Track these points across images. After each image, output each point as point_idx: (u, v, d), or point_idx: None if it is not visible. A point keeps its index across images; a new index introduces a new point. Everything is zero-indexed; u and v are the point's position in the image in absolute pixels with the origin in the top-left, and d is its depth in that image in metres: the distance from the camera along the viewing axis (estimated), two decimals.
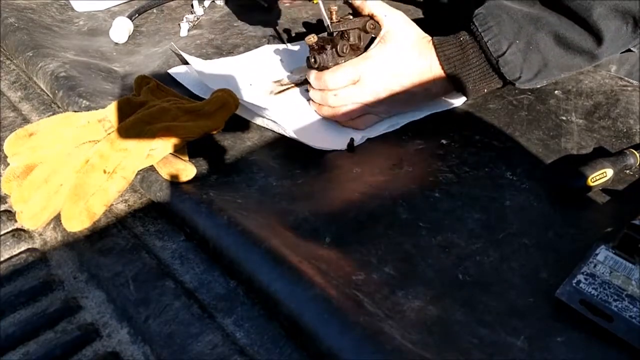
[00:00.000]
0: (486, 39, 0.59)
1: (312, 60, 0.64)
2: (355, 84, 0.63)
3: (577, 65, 0.60)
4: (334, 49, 0.63)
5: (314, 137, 0.62)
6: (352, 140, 0.62)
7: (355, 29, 0.63)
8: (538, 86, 0.65)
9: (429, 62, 0.62)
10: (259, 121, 0.65)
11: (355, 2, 0.64)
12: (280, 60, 0.77)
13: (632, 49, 0.60)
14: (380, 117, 0.65)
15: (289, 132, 0.61)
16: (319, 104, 0.66)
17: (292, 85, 0.72)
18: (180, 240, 0.52)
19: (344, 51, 0.63)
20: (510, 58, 0.59)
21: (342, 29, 0.63)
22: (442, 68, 0.61)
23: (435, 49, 0.61)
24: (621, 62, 0.81)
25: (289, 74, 0.75)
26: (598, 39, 0.56)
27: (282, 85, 0.73)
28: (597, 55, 0.58)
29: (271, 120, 0.62)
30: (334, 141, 0.62)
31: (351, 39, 0.64)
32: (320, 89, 0.65)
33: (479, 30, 0.59)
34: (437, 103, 0.68)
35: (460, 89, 0.63)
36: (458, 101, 0.68)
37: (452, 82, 0.62)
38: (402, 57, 0.62)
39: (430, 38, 0.63)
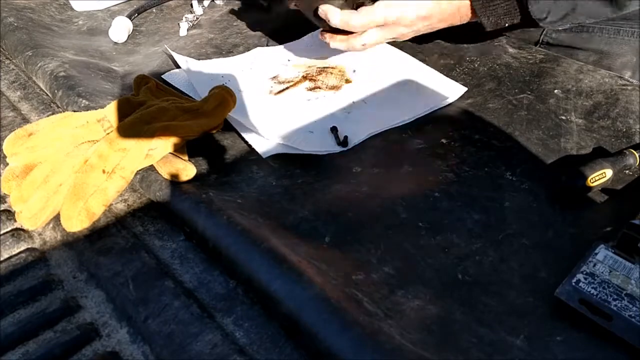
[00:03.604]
0: None
1: None
2: (382, 28, 0.63)
3: (604, 13, 0.60)
4: None
5: (308, 143, 0.62)
6: (345, 137, 0.62)
7: None
8: (560, 27, 0.65)
9: None
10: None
11: None
12: (278, 58, 0.77)
13: None
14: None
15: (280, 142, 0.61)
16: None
17: (292, 83, 0.72)
18: (179, 239, 0.52)
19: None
20: None
21: None
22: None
23: None
24: (635, 69, 0.81)
25: (288, 61, 0.77)
26: None
27: (279, 82, 0.73)
28: (627, 5, 0.58)
29: (258, 134, 0.62)
30: (328, 143, 0.62)
31: None
32: (343, 29, 0.65)
33: None
34: (437, 96, 0.68)
35: (482, 20, 0.63)
36: (454, 95, 0.68)
37: (475, 13, 0.63)
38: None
39: None
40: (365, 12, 0.63)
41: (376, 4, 0.63)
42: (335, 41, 0.66)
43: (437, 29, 0.66)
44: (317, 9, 0.65)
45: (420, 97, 0.68)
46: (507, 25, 0.64)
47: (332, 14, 0.63)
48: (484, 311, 0.44)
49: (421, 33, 0.67)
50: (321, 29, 0.70)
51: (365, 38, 0.64)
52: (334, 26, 0.65)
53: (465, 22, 0.65)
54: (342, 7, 0.65)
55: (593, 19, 0.62)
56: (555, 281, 0.45)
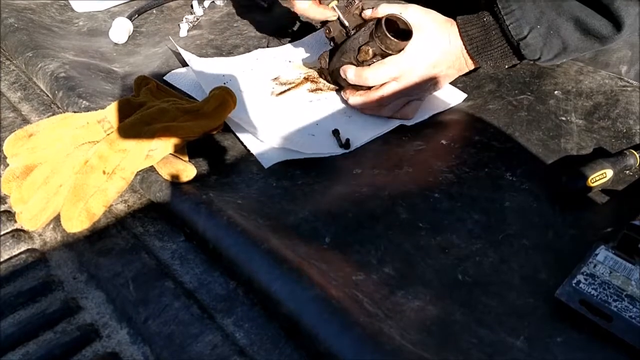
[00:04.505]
0: (508, 23, 0.60)
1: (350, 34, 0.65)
2: (397, 81, 0.63)
3: (595, 47, 0.61)
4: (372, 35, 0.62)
5: (310, 145, 0.62)
6: (347, 140, 0.62)
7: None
8: (557, 63, 0.67)
9: (460, 43, 0.63)
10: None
11: (366, 14, 0.65)
12: (279, 58, 0.77)
13: None
14: (422, 100, 0.67)
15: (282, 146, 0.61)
16: (362, 106, 0.67)
17: (294, 85, 0.72)
18: (179, 240, 0.52)
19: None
20: (531, 42, 0.60)
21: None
22: (465, 48, 0.63)
23: (459, 28, 0.63)
24: (632, 63, 0.81)
25: (304, 57, 0.77)
26: (618, 25, 0.57)
27: (280, 83, 0.73)
28: (615, 39, 0.60)
29: (258, 137, 0.62)
30: (330, 145, 0.62)
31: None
32: (358, 85, 0.65)
33: (502, 13, 0.60)
34: (438, 103, 0.68)
35: (483, 66, 0.65)
36: (457, 99, 0.68)
37: (474, 60, 0.64)
38: (436, 46, 0.63)
39: (452, 20, 0.64)
40: (377, 64, 0.63)
41: (387, 58, 0.63)
42: (354, 95, 0.67)
43: (450, 76, 0.66)
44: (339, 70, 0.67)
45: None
46: (507, 67, 0.65)
47: (348, 70, 0.65)
48: (484, 312, 0.44)
49: (437, 82, 0.66)
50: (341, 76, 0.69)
51: (382, 90, 0.64)
52: (350, 82, 0.65)
53: (472, 68, 0.66)
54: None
55: (585, 52, 0.63)
56: (555, 282, 0.45)
